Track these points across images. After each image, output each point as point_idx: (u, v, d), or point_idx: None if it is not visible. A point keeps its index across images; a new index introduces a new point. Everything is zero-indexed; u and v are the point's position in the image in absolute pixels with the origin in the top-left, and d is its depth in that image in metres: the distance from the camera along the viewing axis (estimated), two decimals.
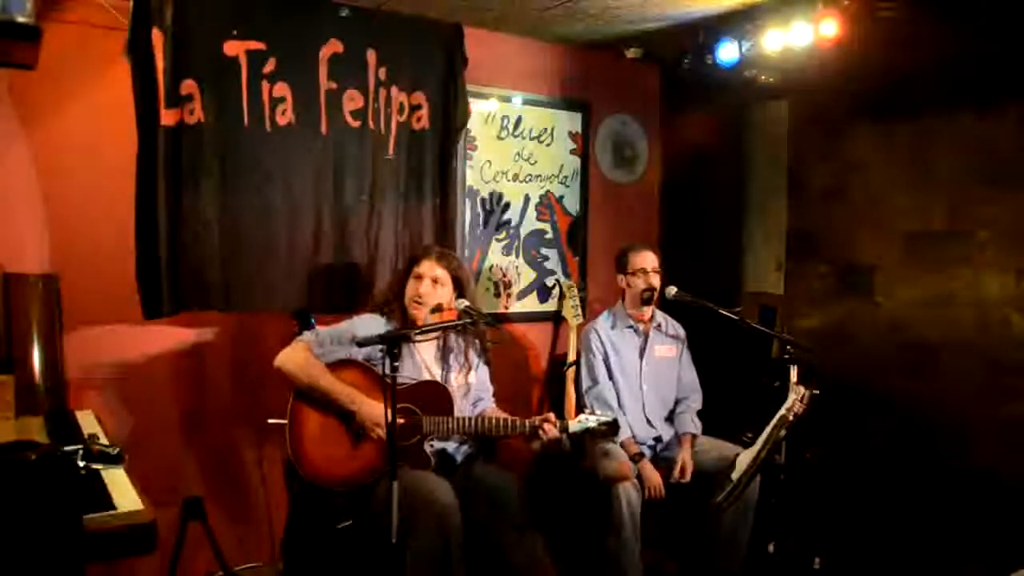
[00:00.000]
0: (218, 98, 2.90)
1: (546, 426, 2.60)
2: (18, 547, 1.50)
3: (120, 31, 2.72)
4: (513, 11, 3.39)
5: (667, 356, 3.33)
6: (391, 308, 2.78)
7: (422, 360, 2.80)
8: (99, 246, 2.86)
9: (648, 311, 3.30)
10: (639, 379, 3.27)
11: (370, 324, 2.69)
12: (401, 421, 2.55)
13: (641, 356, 3.28)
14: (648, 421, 3.24)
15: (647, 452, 3.18)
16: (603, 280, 3.66)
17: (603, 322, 3.33)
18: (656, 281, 3.22)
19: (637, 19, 3.45)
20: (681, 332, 3.39)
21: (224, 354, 3.18)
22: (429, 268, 2.75)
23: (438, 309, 2.72)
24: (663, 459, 3.20)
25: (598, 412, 2.65)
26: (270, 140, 3.02)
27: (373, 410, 2.56)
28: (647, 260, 3.24)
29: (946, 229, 3.34)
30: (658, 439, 3.24)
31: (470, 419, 2.68)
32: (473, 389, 2.87)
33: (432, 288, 2.73)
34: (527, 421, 2.65)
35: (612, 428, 2.63)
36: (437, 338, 2.83)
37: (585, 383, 3.28)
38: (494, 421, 2.68)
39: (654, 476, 3.01)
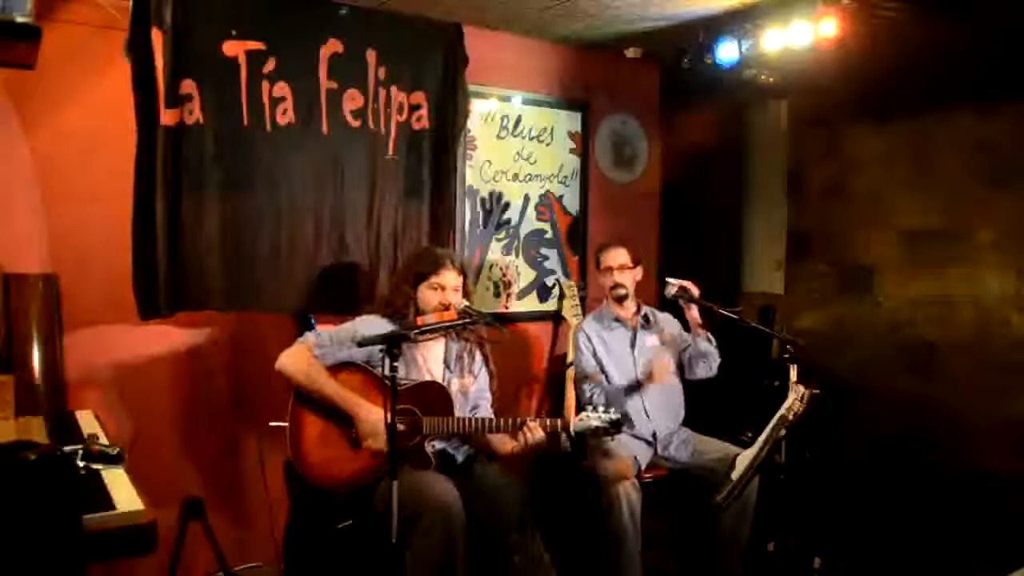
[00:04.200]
0: (217, 98, 2.90)
1: (530, 424, 2.60)
2: (18, 547, 1.50)
3: (120, 31, 2.72)
4: (513, 11, 3.39)
5: (658, 344, 3.32)
6: (399, 313, 2.75)
7: (425, 364, 2.80)
8: (99, 246, 2.86)
9: (629, 307, 3.29)
10: (634, 369, 3.25)
11: (373, 326, 2.68)
12: (401, 428, 2.55)
13: (632, 347, 3.28)
14: (646, 413, 3.22)
15: (646, 448, 3.18)
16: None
17: (591, 321, 3.34)
18: (623, 277, 3.21)
19: (637, 19, 3.45)
20: (674, 328, 3.36)
21: (224, 355, 3.17)
22: (452, 279, 2.76)
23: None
24: (665, 459, 3.19)
25: (600, 410, 2.63)
26: (270, 140, 3.02)
27: (372, 416, 2.55)
28: (613, 257, 3.25)
29: (946, 229, 3.34)
30: (655, 434, 3.21)
31: (468, 419, 2.68)
32: (472, 395, 2.87)
33: (455, 296, 2.75)
34: (524, 419, 2.64)
35: (615, 426, 2.61)
36: (446, 336, 2.81)
37: (577, 377, 3.27)
38: (491, 421, 2.67)
39: None
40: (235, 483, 3.21)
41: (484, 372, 2.92)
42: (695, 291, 3.04)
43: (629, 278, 3.25)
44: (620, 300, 3.27)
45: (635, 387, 3.24)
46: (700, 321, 3.15)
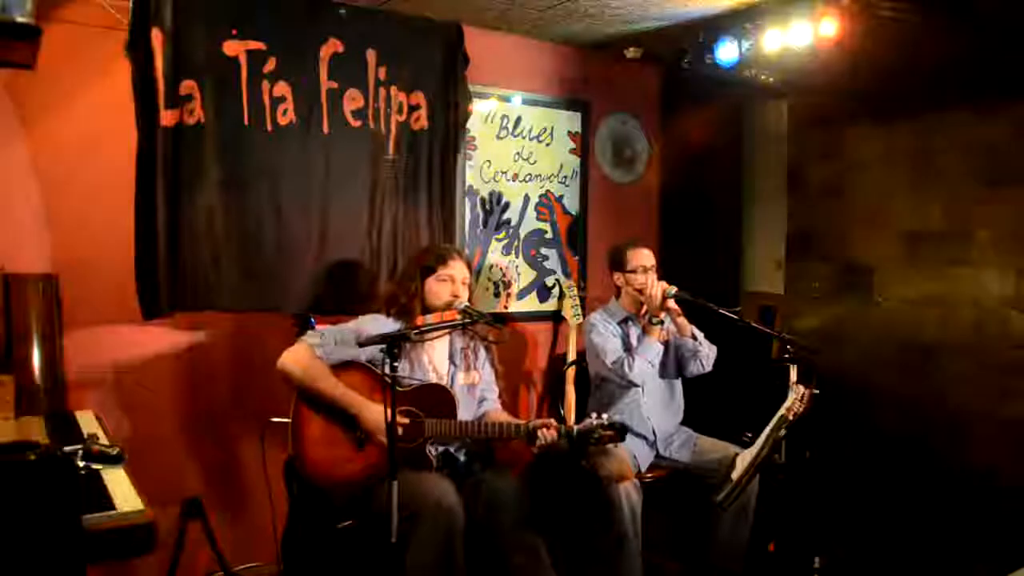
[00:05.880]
0: (218, 98, 2.90)
1: (545, 431, 2.58)
2: (18, 547, 1.50)
3: (120, 31, 2.72)
4: (513, 11, 3.39)
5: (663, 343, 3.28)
6: (405, 309, 2.74)
7: (429, 360, 2.80)
8: (99, 246, 2.86)
9: (643, 308, 3.28)
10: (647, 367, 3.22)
11: (376, 324, 2.68)
12: (405, 421, 2.55)
13: (638, 343, 3.25)
14: (646, 412, 3.21)
15: (647, 450, 3.18)
16: (603, 280, 3.66)
17: (602, 316, 3.28)
18: (655, 280, 3.17)
19: (637, 19, 3.45)
20: (671, 326, 3.34)
21: (224, 354, 3.17)
22: (461, 270, 2.76)
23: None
24: (666, 460, 3.19)
25: (604, 416, 2.61)
26: (271, 140, 3.01)
27: (376, 415, 2.55)
28: (647, 257, 3.21)
29: (946, 229, 3.34)
30: (656, 434, 3.20)
31: (471, 423, 2.68)
32: (478, 388, 2.87)
33: (464, 289, 2.75)
34: (527, 424, 2.63)
35: (619, 432, 2.58)
36: (447, 334, 2.81)
37: (593, 359, 3.22)
38: (494, 426, 2.67)
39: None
40: (235, 483, 3.21)
41: (489, 368, 2.93)
42: (673, 290, 3.06)
43: (654, 280, 3.15)
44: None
45: (640, 385, 3.23)
46: (683, 319, 3.14)
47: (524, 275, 3.91)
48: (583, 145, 4.03)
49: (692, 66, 3.45)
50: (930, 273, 3.39)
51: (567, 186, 4.00)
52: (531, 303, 3.93)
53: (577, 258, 4.05)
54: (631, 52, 3.87)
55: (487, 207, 3.77)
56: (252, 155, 2.99)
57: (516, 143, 3.83)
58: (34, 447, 1.69)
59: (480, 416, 2.85)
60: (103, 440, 2.11)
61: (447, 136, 3.41)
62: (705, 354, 3.19)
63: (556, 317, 3.96)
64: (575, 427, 2.61)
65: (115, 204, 2.81)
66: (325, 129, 3.12)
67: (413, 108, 3.33)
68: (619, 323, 3.27)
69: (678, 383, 3.34)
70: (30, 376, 2.59)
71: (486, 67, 3.60)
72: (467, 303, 2.72)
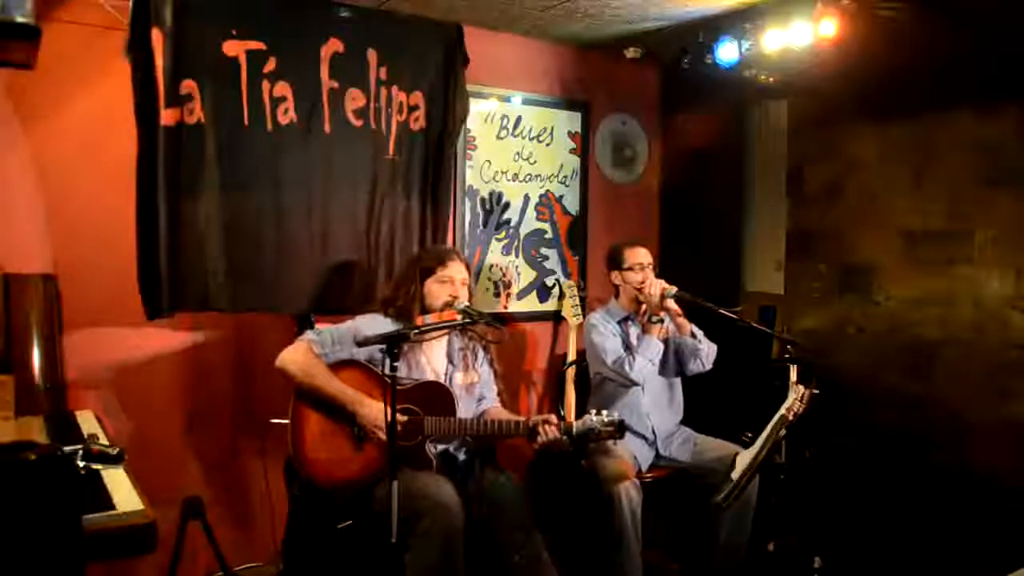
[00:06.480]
0: (218, 98, 2.90)
1: (546, 427, 2.59)
2: (18, 547, 1.50)
3: (120, 31, 2.72)
4: (513, 11, 3.39)
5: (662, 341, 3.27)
6: (403, 310, 2.75)
7: (428, 360, 2.80)
8: (99, 246, 2.86)
9: (642, 307, 3.28)
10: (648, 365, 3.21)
11: (374, 324, 2.68)
12: (403, 419, 2.55)
13: (639, 342, 3.25)
14: (645, 410, 3.21)
15: (647, 449, 3.18)
16: (603, 280, 3.66)
17: (602, 315, 3.28)
18: (652, 278, 3.17)
19: (637, 19, 3.45)
20: (670, 325, 3.34)
21: (224, 354, 3.18)
22: (460, 271, 2.77)
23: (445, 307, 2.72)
24: (666, 460, 3.19)
25: (603, 413, 2.61)
26: (271, 140, 3.02)
27: (373, 411, 2.55)
28: (644, 255, 3.21)
29: (946, 229, 3.34)
30: (656, 433, 3.20)
31: (471, 421, 2.68)
32: (477, 387, 2.88)
33: (464, 290, 2.76)
34: (527, 421, 2.64)
35: (618, 429, 2.58)
36: (446, 334, 2.81)
37: (594, 360, 3.22)
38: (495, 423, 2.67)
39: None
40: (235, 483, 3.21)
41: (488, 368, 2.93)
42: (672, 289, 3.05)
43: (653, 279, 3.14)
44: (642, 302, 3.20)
45: (641, 383, 3.22)
46: (682, 318, 3.14)
47: (524, 275, 3.91)
48: (583, 145, 4.03)
49: (692, 66, 3.45)
50: (930, 273, 3.39)
51: (567, 186, 4.00)
52: (531, 303, 3.93)
53: (577, 258, 4.05)
54: (631, 52, 3.87)
55: (487, 207, 3.77)
56: (252, 155, 2.99)
57: (516, 143, 3.83)
58: (34, 447, 1.68)
59: (480, 414, 2.85)
60: (103, 440, 2.10)
61: (444, 136, 3.40)
62: (705, 352, 3.19)
63: (556, 317, 3.97)
64: (575, 424, 2.61)
65: (115, 204, 2.81)
66: (327, 129, 3.12)
67: (413, 108, 3.33)
68: (619, 322, 3.27)
69: (678, 382, 3.34)
70: (30, 376, 2.58)
71: (486, 67, 3.60)
72: (467, 303, 2.72)
